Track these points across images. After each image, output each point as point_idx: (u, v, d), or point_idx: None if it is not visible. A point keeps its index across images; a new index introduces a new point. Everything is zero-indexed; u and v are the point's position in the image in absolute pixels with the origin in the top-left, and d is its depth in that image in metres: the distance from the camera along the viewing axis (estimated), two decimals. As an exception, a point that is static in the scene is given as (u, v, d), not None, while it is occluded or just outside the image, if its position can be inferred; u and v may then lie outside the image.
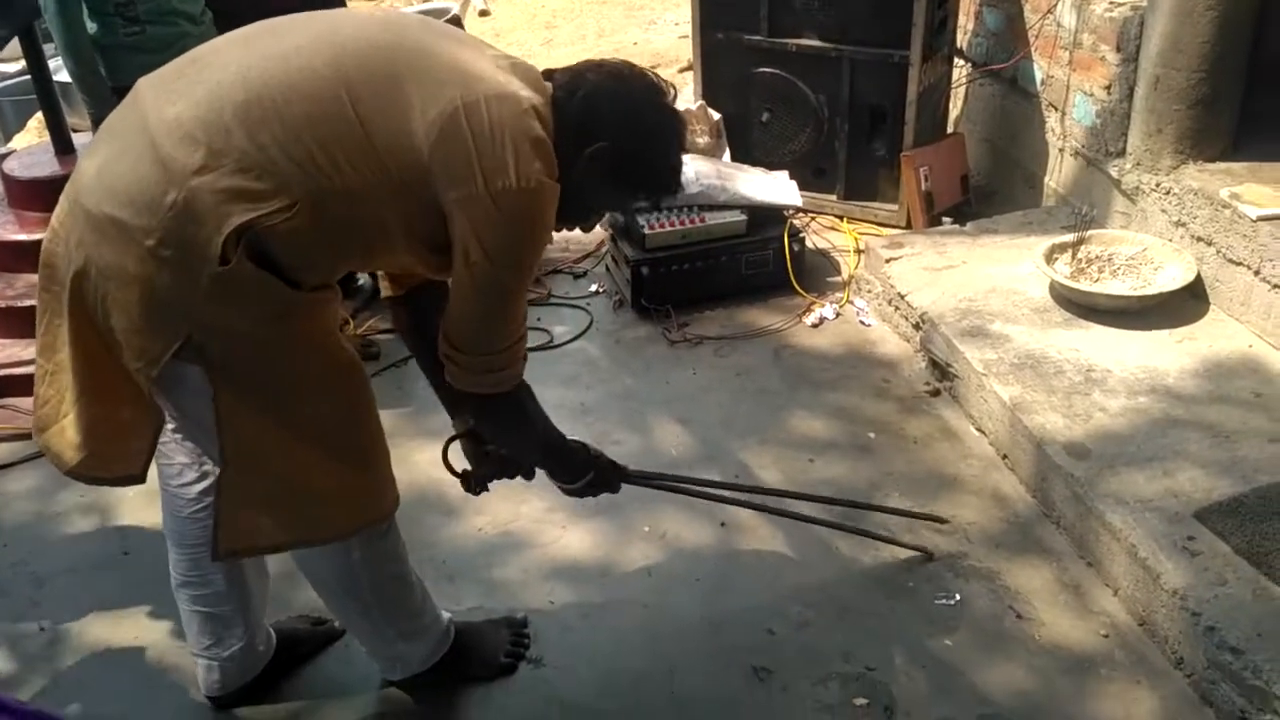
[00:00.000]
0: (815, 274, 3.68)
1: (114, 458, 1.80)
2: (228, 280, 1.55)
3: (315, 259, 1.64)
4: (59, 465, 1.82)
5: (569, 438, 2.05)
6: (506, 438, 2.03)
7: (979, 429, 2.88)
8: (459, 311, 1.72)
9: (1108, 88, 3.35)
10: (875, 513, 2.54)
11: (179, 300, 1.58)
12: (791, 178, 3.78)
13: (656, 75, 1.86)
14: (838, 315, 3.46)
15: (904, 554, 2.47)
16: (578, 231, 2.01)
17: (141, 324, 1.59)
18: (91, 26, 3.02)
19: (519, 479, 2.18)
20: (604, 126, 1.74)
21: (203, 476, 1.91)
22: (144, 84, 1.67)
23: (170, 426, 1.85)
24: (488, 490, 2.18)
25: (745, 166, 3.83)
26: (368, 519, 1.87)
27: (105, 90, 3.03)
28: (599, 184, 1.77)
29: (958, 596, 2.36)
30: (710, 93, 4.10)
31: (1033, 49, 3.76)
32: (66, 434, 1.77)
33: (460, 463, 2.15)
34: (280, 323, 1.65)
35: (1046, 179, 3.79)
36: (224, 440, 1.69)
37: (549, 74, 1.80)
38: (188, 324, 1.60)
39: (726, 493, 2.48)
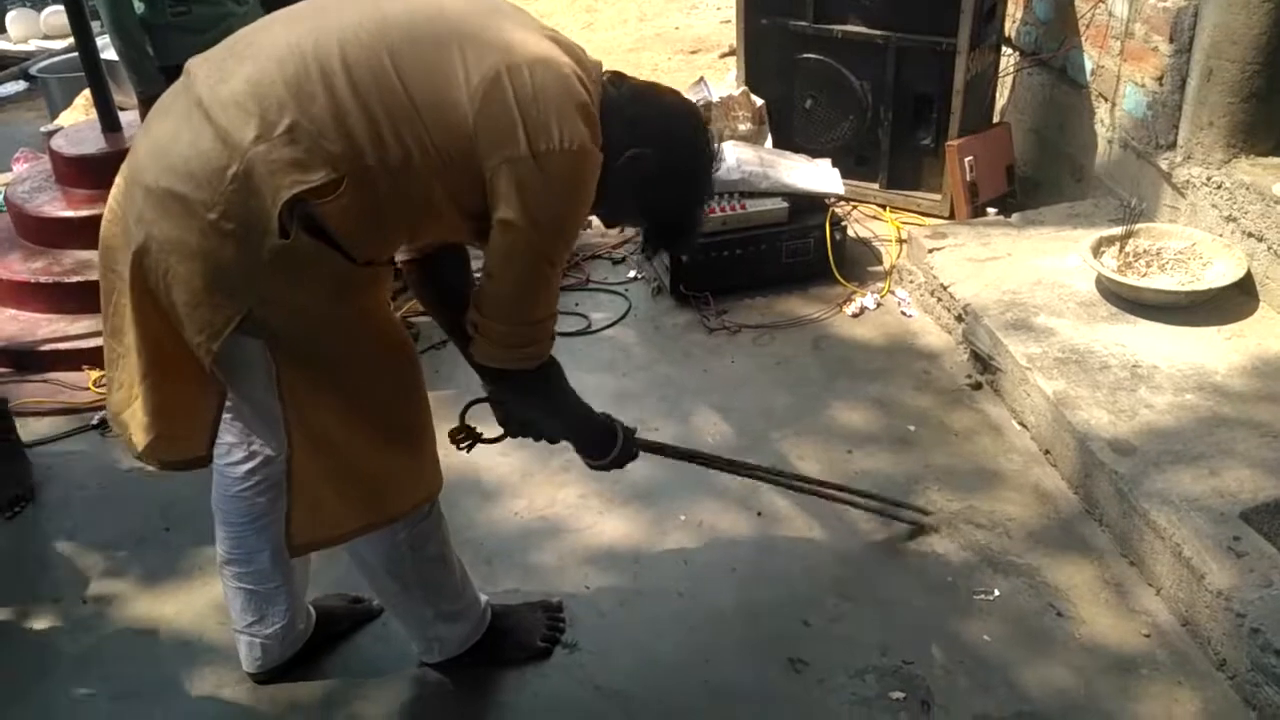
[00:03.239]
0: (856, 263, 3.66)
1: (180, 438, 1.82)
2: (288, 253, 1.56)
3: (365, 235, 1.64)
4: (131, 450, 1.84)
5: (596, 412, 2.04)
6: (533, 414, 2.03)
7: (1021, 423, 2.85)
8: (494, 280, 1.70)
9: (1159, 79, 3.29)
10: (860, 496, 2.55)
11: (241, 273, 1.59)
12: (834, 165, 3.75)
13: (710, 131, 1.87)
14: (879, 305, 3.44)
15: (942, 548, 2.45)
16: None
17: (203, 297, 1.60)
18: (139, 6, 3.05)
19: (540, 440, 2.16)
20: (653, 135, 1.74)
21: (250, 456, 1.92)
22: (195, 63, 1.67)
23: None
24: (474, 445, 2.14)
25: (787, 153, 3.80)
26: (419, 499, 1.88)
27: (152, 69, 3.06)
28: (629, 188, 1.76)
29: (997, 592, 2.34)
30: (753, 78, 4.07)
31: (1083, 38, 3.70)
32: (137, 416, 1.79)
33: (485, 427, 2.12)
34: (338, 297, 1.66)
35: (1094, 171, 3.73)
36: (289, 417, 1.70)
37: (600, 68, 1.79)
38: (249, 297, 1.60)
39: (723, 464, 2.45)
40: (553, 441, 2.14)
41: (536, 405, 2.00)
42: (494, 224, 1.64)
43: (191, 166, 1.56)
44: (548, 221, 1.64)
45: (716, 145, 1.87)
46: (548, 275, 1.71)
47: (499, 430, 2.14)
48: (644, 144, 1.73)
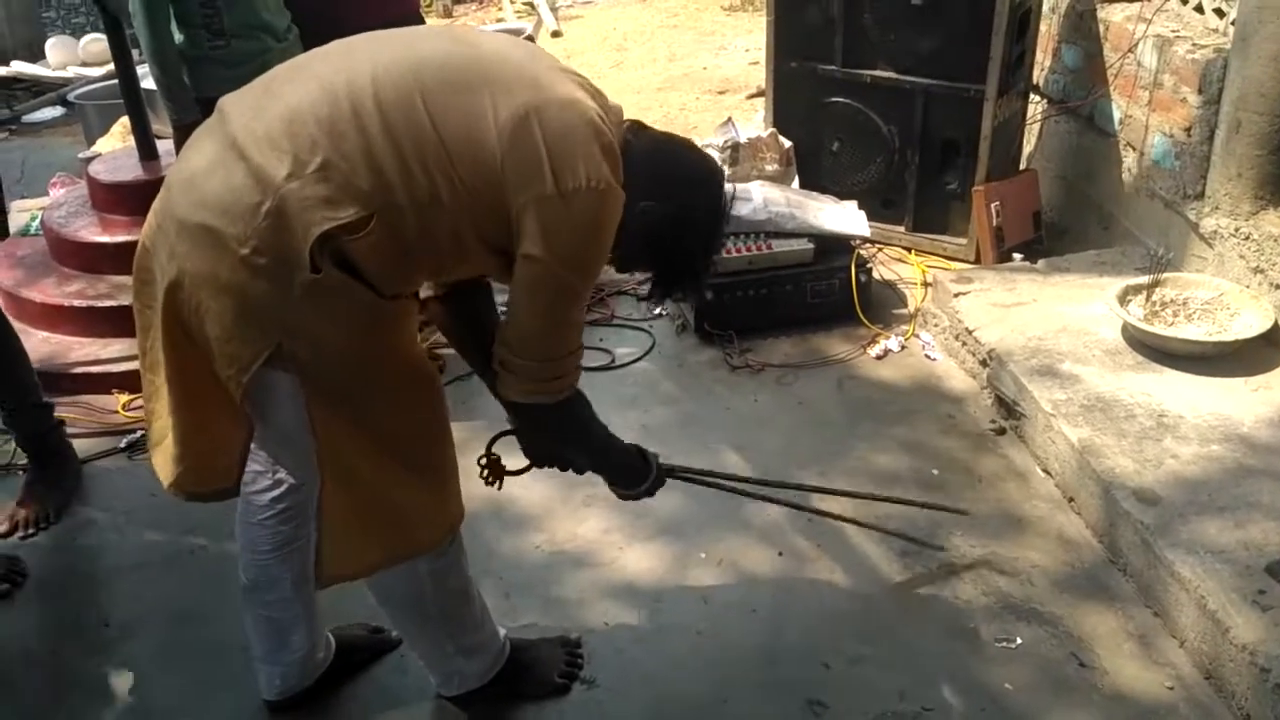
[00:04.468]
0: (881, 305, 3.66)
1: (208, 470, 1.84)
2: (318, 288, 1.58)
3: (393, 270, 1.66)
4: (162, 481, 1.87)
5: (624, 443, 2.05)
6: (559, 447, 2.04)
7: (1045, 470, 2.84)
8: (518, 315, 1.71)
9: (1188, 129, 3.30)
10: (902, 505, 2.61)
11: (271, 307, 1.61)
12: (860, 208, 3.76)
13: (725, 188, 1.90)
14: (903, 348, 3.44)
15: (964, 593, 2.44)
16: None
17: (234, 331, 1.63)
18: (178, 36, 3.09)
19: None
20: (670, 188, 1.77)
21: (276, 484, 1.94)
22: (228, 101, 1.71)
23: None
24: (499, 487, 2.15)
25: (814, 194, 3.82)
26: (442, 532, 1.90)
27: (189, 98, 3.10)
28: (641, 237, 1.77)
29: (1019, 640, 2.32)
30: (781, 120, 4.11)
31: (1111, 87, 3.71)
32: (168, 449, 1.82)
33: (511, 459, 2.13)
34: (366, 330, 1.68)
35: (1121, 219, 3.74)
36: (320, 449, 1.72)
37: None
38: (279, 330, 1.63)
39: (752, 488, 2.47)
40: (579, 472, 2.15)
41: (563, 438, 2.01)
42: (518, 259, 1.66)
43: (225, 202, 1.59)
44: (572, 257, 1.66)
45: (730, 201, 1.89)
46: (571, 311, 1.73)
47: (524, 461, 2.15)
48: (660, 196, 1.75)
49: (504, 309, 1.76)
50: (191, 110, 3.09)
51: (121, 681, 2.31)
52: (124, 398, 3.18)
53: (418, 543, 1.86)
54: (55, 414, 2.90)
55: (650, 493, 2.10)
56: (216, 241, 1.59)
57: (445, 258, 1.73)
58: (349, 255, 1.60)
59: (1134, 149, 3.62)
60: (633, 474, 2.07)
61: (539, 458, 2.12)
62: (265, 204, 1.56)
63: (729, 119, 4.18)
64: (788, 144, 4.00)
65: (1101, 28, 3.77)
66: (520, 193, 1.62)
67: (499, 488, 2.14)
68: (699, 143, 3.94)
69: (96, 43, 7.33)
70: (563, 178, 1.61)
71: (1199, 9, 3.41)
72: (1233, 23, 3.19)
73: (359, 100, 1.60)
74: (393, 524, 1.82)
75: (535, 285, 1.67)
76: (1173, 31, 3.43)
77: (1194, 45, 3.29)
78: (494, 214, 1.65)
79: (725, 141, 3.95)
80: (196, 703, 2.24)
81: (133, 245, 1.77)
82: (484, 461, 2.11)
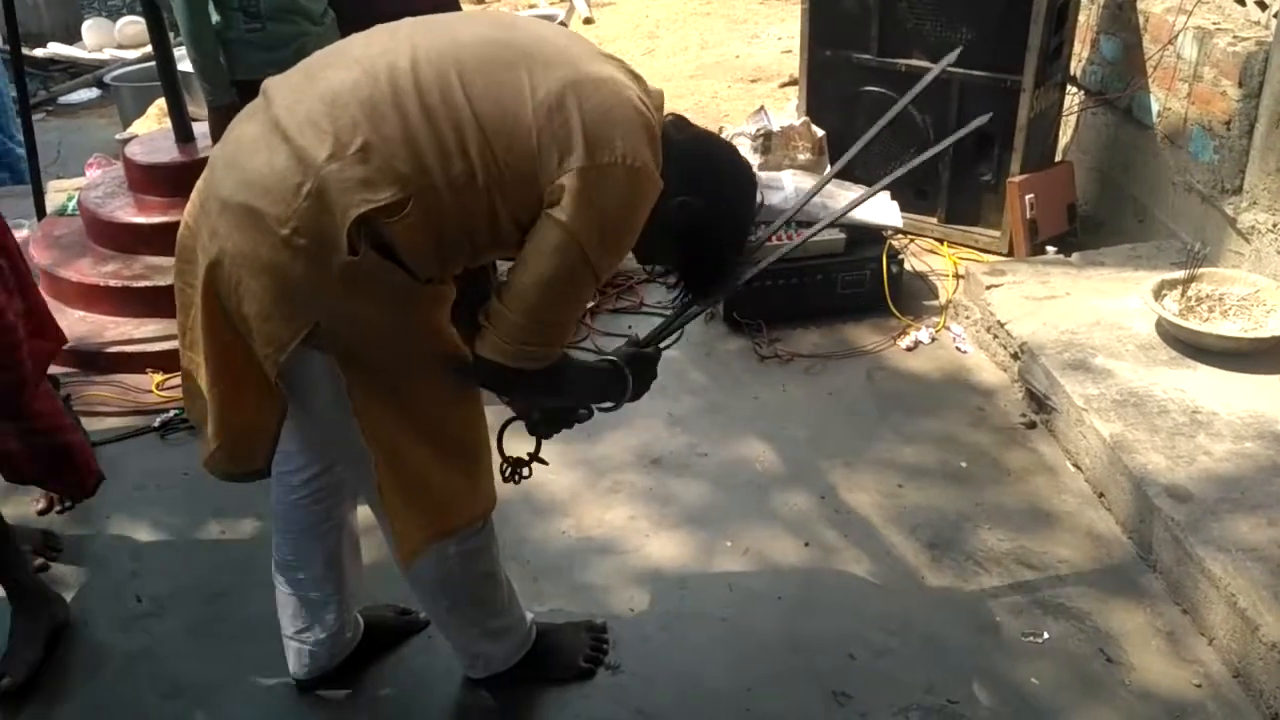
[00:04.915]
0: (912, 297, 3.64)
1: (242, 451, 1.86)
2: (355, 270, 1.59)
3: (430, 253, 1.66)
4: (200, 459, 1.89)
5: (598, 361, 1.98)
6: (541, 400, 2.00)
7: (1075, 465, 2.82)
8: (525, 270, 1.65)
9: (1227, 123, 3.26)
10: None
11: (311, 287, 1.62)
12: (893, 198, 3.74)
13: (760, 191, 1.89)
14: (933, 340, 3.42)
15: (992, 587, 2.43)
16: None
17: (272, 310, 1.64)
18: (214, 19, 3.11)
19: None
20: (707, 186, 1.75)
21: (308, 464, 1.96)
22: (272, 85, 1.72)
23: None
24: (527, 476, 2.13)
25: (847, 184, 3.80)
26: (477, 513, 1.91)
27: (225, 81, 3.12)
28: (672, 232, 1.76)
29: (1046, 635, 2.31)
30: (815, 109, 4.08)
31: (1150, 80, 3.67)
32: (205, 427, 1.84)
33: (516, 448, 2.11)
34: (404, 312, 1.69)
35: (1157, 213, 3.70)
36: (364, 428, 1.72)
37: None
38: (318, 310, 1.64)
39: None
40: (587, 418, 2.07)
41: (528, 396, 1.97)
42: (542, 217, 1.63)
43: (267, 183, 1.60)
44: (596, 229, 1.63)
45: (760, 202, 1.88)
46: (579, 281, 1.68)
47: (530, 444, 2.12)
48: (697, 193, 1.74)
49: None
50: (227, 92, 3.11)
51: (152, 657, 2.33)
52: (158, 377, 3.22)
53: (452, 524, 1.87)
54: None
55: (637, 396, 1.99)
56: (258, 222, 1.60)
57: (481, 240, 1.72)
58: (386, 238, 1.60)
59: (1172, 142, 3.58)
60: (613, 392, 1.98)
61: (540, 429, 2.08)
62: (306, 185, 1.57)
63: (761, 107, 4.16)
64: (820, 133, 3.97)
65: (1141, 19, 3.72)
66: (555, 168, 1.61)
67: (517, 482, 2.13)
68: (730, 131, 3.96)
69: (133, 25, 7.41)
70: (599, 152, 1.60)
71: (1241, 1, 3.36)
72: (1275, 15, 3.14)
73: (399, 83, 1.61)
74: (432, 503, 1.83)
75: (551, 245, 1.63)
76: (1213, 23, 3.39)
77: (1235, 38, 3.24)
78: (529, 193, 1.64)
79: (758, 130, 3.93)
80: (227, 680, 2.27)
81: (168, 226, 1.79)
82: (506, 464, 2.10)
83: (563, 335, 1.75)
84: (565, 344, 1.78)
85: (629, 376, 1.95)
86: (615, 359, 1.97)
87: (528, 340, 1.69)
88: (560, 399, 1.98)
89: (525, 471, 2.13)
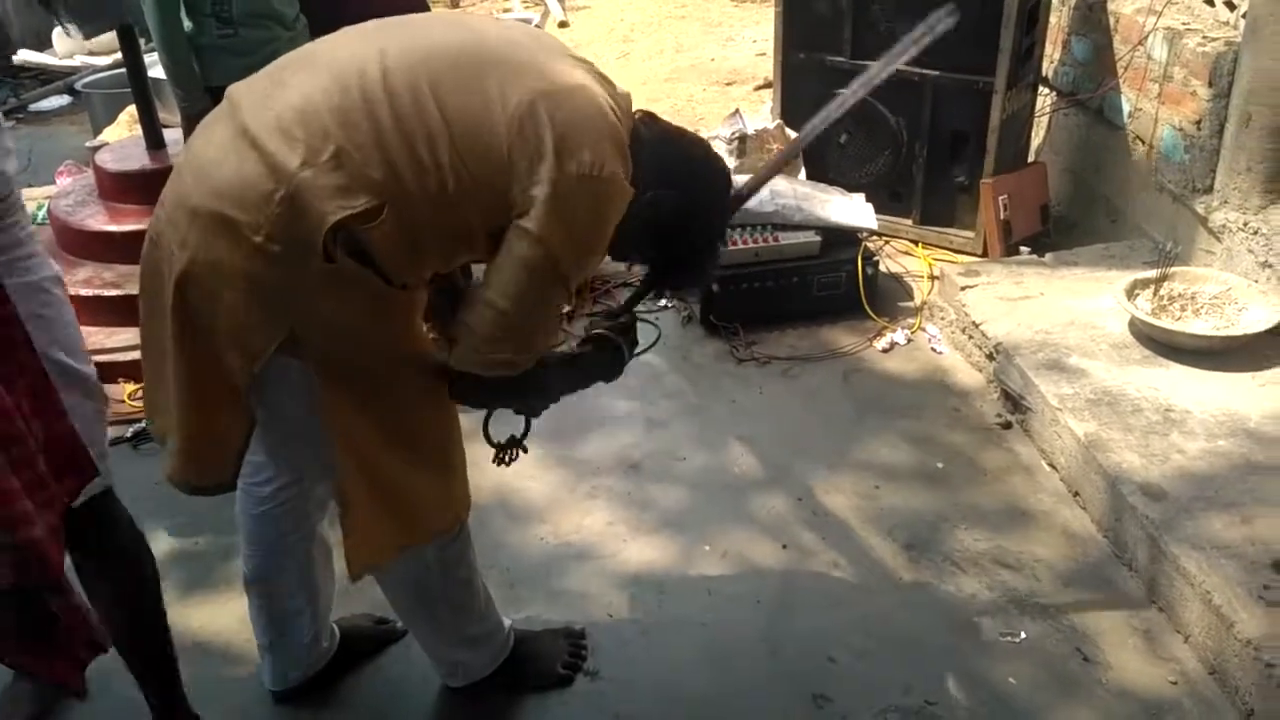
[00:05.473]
0: (887, 298, 3.65)
1: (208, 463, 1.84)
2: (332, 276, 1.59)
3: (404, 259, 1.65)
4: (164, 473, 1.87)
5: (580, 346, 1.95)
6: (526, 406, 1.97)
7: (1051, 464, 2.83)
8: (496, 279, 1.65)
9: (1197, 123, 3.28)
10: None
11: (284, 295, 1.61)
12: (868, 200, 3.75)
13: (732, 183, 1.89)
14: (909, 341, 3.43)
15: (969, 588, 2.44)
16: None
17: (244, 319, 1.62)
18: (186, 25, 3.08)
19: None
20: (678, 180, 1.75)
21: (277, 475, 1.94)
22: (238, 90, 1.70)
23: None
24: (516, 458, 2.05)
25: (822, 186, 3.81)
26: (451, 519, 1.90)
27: (198, 87, 3.10)
28: (646, 227, 1.75)
29: (1023, 634, 2.32)
30: (789, 112, 4.09)
31: (1121, 80, 3.70)
32: (169, 440, 1.82)
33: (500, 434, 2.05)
34: (376, 318, 1.68)
35: (1130, 213, 3.72)
36: (334, 436, 1.71)
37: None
38: (291, 317, 1.63)
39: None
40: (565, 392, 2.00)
41: (522, 401, 1.94)
42: (512, 227, 1.63)
43: (237, 190, 1.58)
44: (566, 239, 1.63)
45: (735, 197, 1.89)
46: (550, 290, 1.68)
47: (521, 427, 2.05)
48: (668, 187, 1.73)
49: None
50: (200, 99, 3.08)
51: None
52: (130, 387, 3.19)
53: (426, 530, 1.86)
54: None
55: (622, 361, 1.96)
56: (230, 230, 1.58)
57: (453, 246, 1.72)
58: (362, 244, 1.60)
59: (1143, 142, 3.60)
60: (604, 372, 1.97)
61: (524, 409, 2.02)
62: (279, 193, 1.56)
63: (736, 110, 4.17)
64: (795, 135, 3.98)
65: (1111, 20, 3.75)
66: (525, 177, 1.61)
67: (507, 464, 2.06)
68: (706, 134, 3.95)
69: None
70: (569, 162, 1.60)
71: (1210, 1, 3.39)
72: (1244, 15, 3.17)
73: (370, 89, 1.60)
74: (404, 510, 1.81)
75: (520, 256, 1.63)
76: (1183, 24, 3.42)
77: (1204, 38, 3.27)
78: (500, 202, 1.64)
79: (733, 133, 3.94)
80: (200, 692, 2.24)
81: (140, 234, 1.76)
82: (502, 456, 2.04)
83: (535, 343, 1.75)
84: (541, 350, 1.78)
85: (624, 347, 1.94)
86: (607, 333, 1.92)
87: (497, 350, 1.70)
88: (545, 399, 1.96)
89: (514, 453, 2.08)
